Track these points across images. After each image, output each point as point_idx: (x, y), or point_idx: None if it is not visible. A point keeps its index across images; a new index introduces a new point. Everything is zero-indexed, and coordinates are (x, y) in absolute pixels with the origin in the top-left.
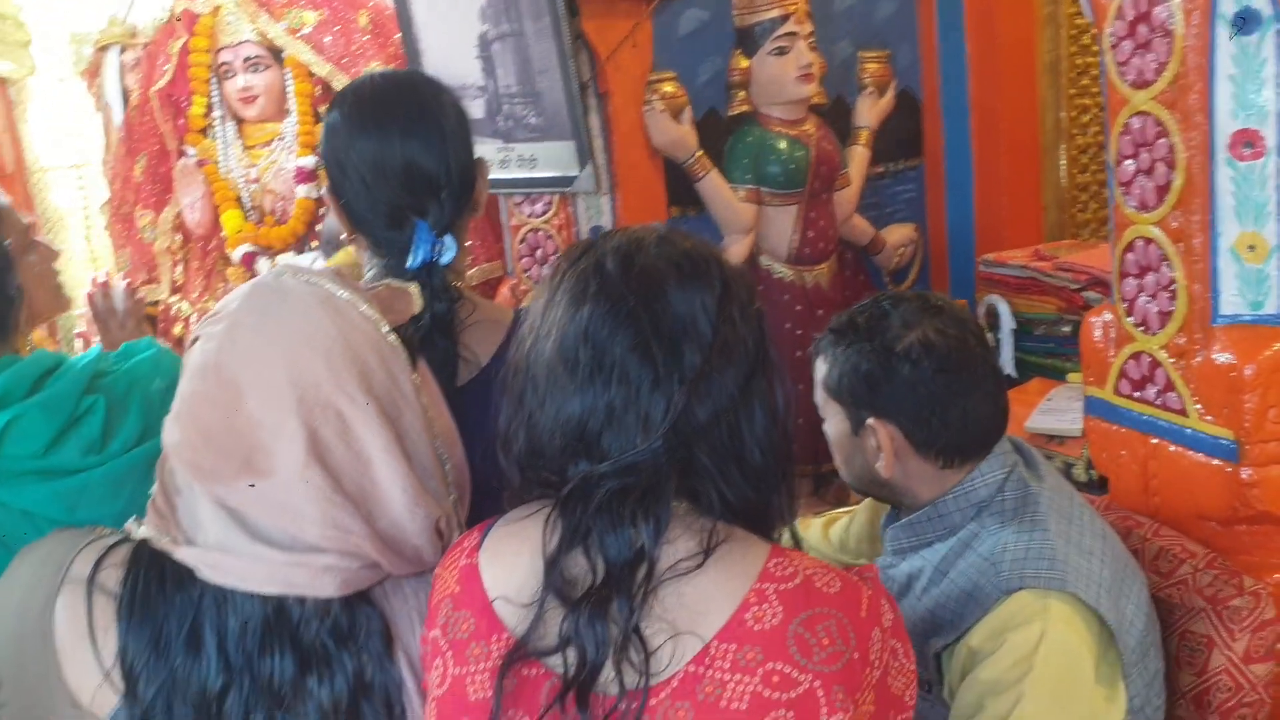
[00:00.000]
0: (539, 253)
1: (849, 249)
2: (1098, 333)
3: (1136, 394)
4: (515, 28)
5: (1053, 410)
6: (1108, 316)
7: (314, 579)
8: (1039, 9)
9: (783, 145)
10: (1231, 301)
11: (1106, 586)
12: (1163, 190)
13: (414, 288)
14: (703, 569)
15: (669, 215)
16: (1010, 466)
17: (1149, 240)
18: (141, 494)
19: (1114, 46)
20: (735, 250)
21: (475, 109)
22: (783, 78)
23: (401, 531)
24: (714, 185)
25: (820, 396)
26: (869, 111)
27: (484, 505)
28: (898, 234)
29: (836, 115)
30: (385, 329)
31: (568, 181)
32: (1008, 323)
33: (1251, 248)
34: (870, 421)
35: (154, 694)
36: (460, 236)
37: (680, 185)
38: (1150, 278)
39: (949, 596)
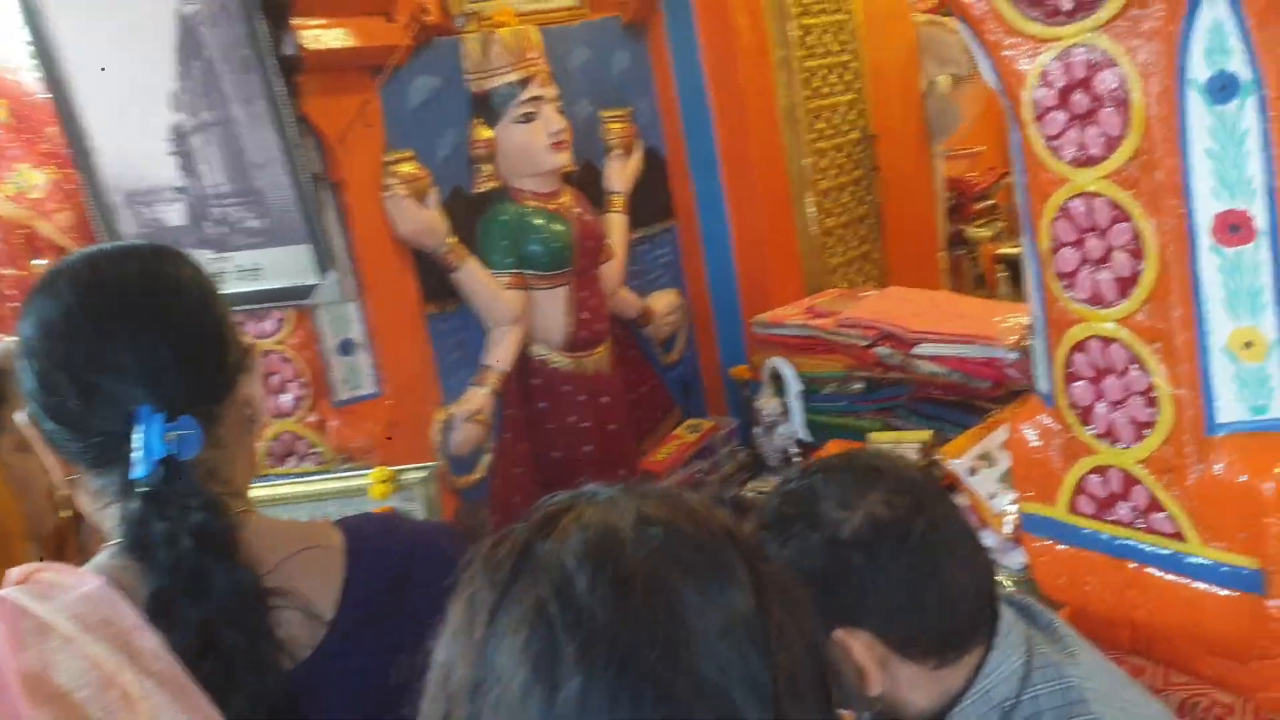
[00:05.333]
0: (275, 379)
1: (617, 324)
2: (1035, 440)
3: (1105, 514)
4: (220, 115)
5: None
6: (1046, 421)
7: None
8: (772, 54)
9: (540, 221)
10: (1229, 408)
11: None
12: (1126, 283)
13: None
14: None
15: (425, 313)
16: (1025, 645)
17: (1109, 340)
18: None
19: (1039, 118)
20: (506, 344)
21: (174, 215)
22: (533, 147)
23: None
24: (472, 274)
25: None
26: (619, 175)
27: None
28: (662, 301)
29: (586, 181)
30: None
31: (305, 292)
32: (795, 385)
33: (1248, 344)
34: (838, 635)
35: None
36: (220, 429)
37: (434, 280)
38: (1112, 381)
39: None
